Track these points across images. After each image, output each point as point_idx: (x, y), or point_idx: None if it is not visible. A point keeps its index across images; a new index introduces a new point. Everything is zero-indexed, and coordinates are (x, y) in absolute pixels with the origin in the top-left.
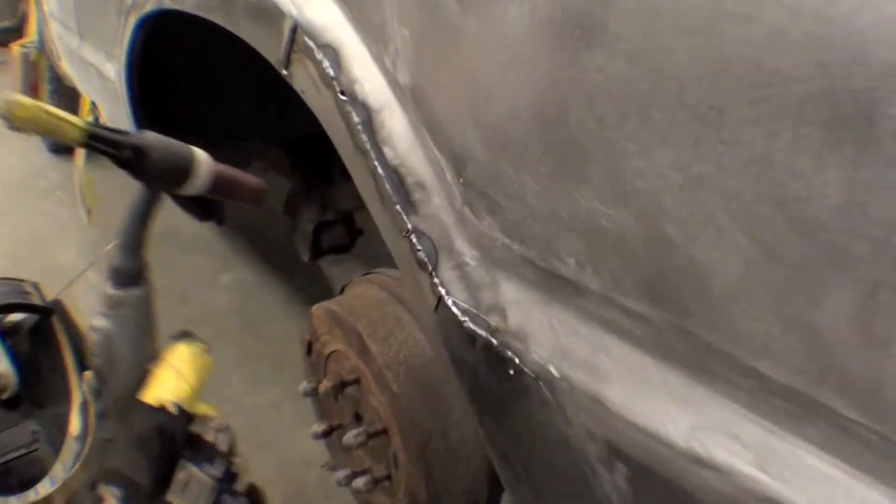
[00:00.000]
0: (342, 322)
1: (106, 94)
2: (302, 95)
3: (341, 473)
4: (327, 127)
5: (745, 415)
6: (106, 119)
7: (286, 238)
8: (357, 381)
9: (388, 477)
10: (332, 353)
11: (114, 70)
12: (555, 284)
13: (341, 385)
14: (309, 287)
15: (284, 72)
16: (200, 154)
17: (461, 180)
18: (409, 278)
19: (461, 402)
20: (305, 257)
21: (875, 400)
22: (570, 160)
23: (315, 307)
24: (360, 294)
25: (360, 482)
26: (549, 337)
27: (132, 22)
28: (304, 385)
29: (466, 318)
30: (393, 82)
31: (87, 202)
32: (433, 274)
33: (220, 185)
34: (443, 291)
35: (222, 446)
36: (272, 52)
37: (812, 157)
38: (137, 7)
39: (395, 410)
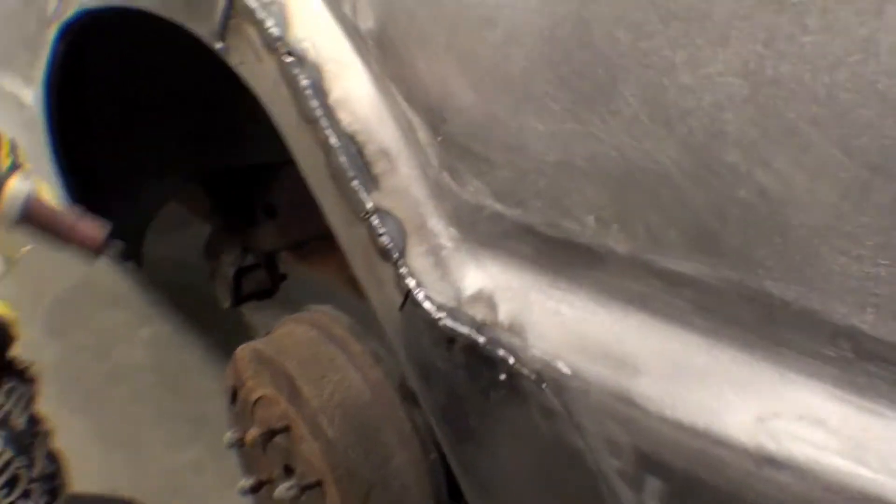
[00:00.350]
0: (270, 363)
1: (24, 125)
2: (238, 69)
3: None
4: (268, 101)
5: (833, 393)
6: (25, 158)
7: (205, 289)
8: (287, 429)
9: None
10: (259, 398)
11: (32, 95)
12: (564, 256)
13: (270, 434)
14: (228, 342)
15: (219, 44)
16: (15, 181)
17: (439, 139)
18: (366, 275)
19: (402, 448)
20: (226, 304)
21: None
22: (591, 88)
23: (240, 349)
24: (289, 333)
25: None
26: (555, 325)
27: (53, 32)
28: (228, 436)
29: (443, 314)
30: (352, 32)
31: None
32: (399, 262)
33: (37, 220)
34: (412, 283)
35: None
36: (206, 26)
37: None
38: (60, 14)
39: (330, 459)
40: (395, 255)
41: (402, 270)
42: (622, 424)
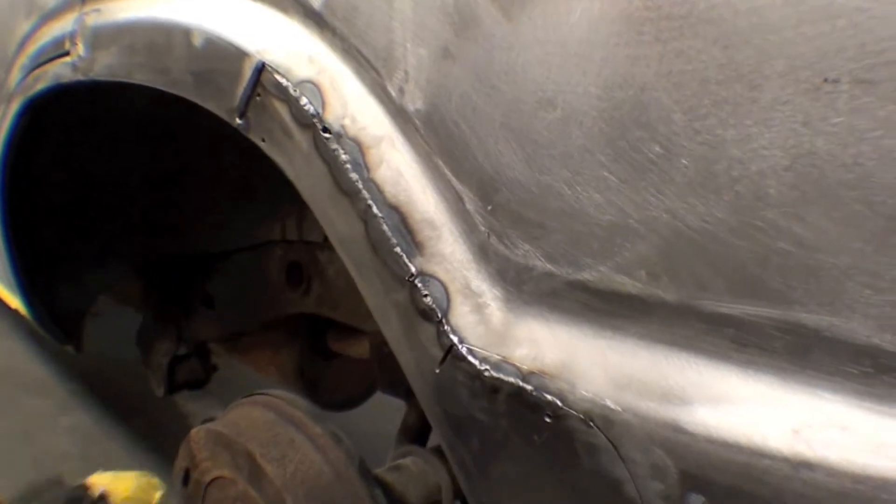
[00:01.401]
0: (229, 444)
1: None
2: (260, 144)
3: None
4: (297, 176)
5: (856, 404)
6: None
7: (130, 378)
8: None
9: None
10: (213, 480)
11: None
12: (613, 308)
13: None
14: (149, 433)
15: (238, 121)
16: None
17: (489, 207)
18: (401, 339)
19: None
20: (160, 392)
21: None
22: (647, 161)
23: (194, 430)
24: (245, 415)
25: None
26: (602, 368)
27: (14, 108)
28: None
29: (487, 366)
30: (397, 112)
31: None
32: (443, 322)
33: None
34: (455, 339)
35: None
36: (222, 101)
37: None
38: (25, 88)
39: None
40: (439, 316)
41: (445, 328)
42: (668, 450)
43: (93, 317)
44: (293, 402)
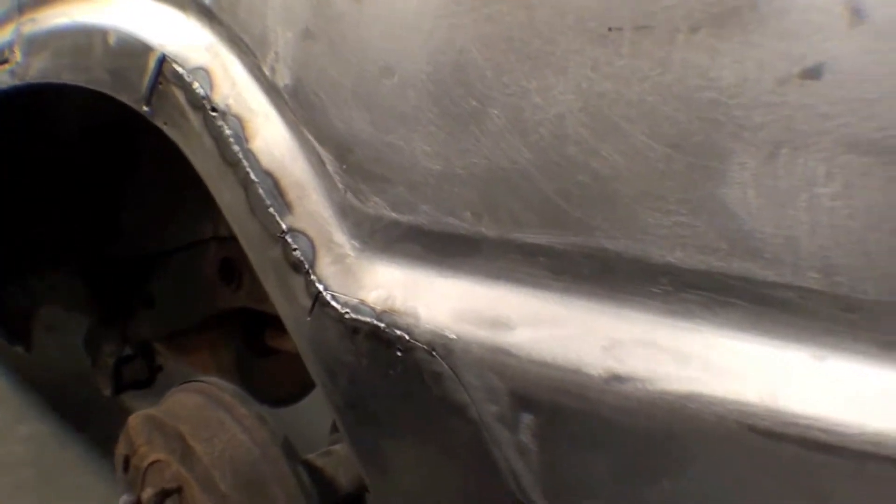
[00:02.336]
0: (162, 426)
1: None
2: (163, 128)
3: None
4: (191, 152)
5: (659, 321)
6: None
7: (83, 387)
8: (179, 490)
9: None
10: (151, 464)
11: None
12: (447, 248)
13: (163, 493)
14: (103, 442)
15: (145, 108)
16: None
17: (344, 167)
18: (278, 291)
19: (288, 501)
20: (107, 392)
21: (790, 255)
22: (467, 115)
23: (132, 417)
24: (179, 401)
25: None
26: (443, 304)
27: None
28: (124, 499)
29: (348, 310)
30: (270, 89)
31: None
32: (310, 272)
33: None
34: (321, 287)
35: None
36: (132, 92)
37: (707, 49)
38: None
39: None
40: (306, 267)
41: (312, 278)
42: (499, 373)
43: (47, 330)
44: (223, 388)
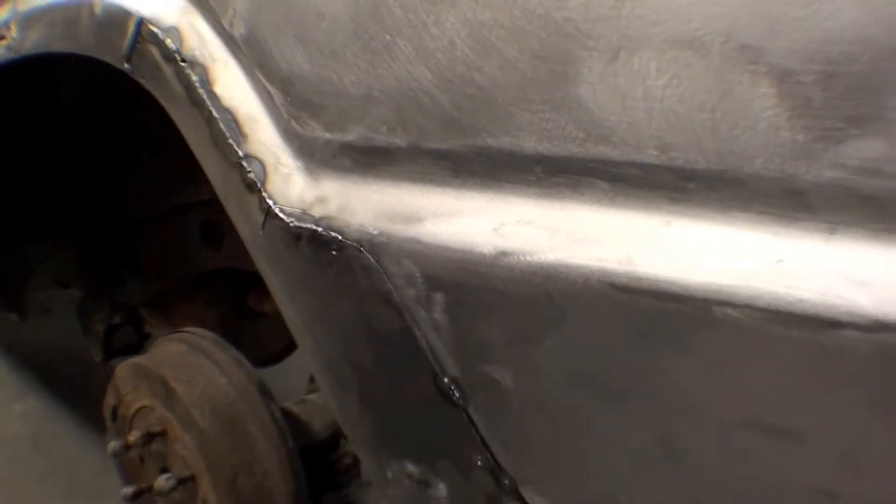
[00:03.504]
0: (147, 373)
1: None
2: (142, 82)
3: None
4: (165, 99)
5: (535, 203)
6: None
7: (73, 369)
8: (163, 434)
9: None
10: (137, 411)
11: None
12: (370, 160)
13: (149, 436)
14: (96, 417)
15: (126, 66)
16: None
17: (289, 99)
18: (237, 210)
19: (263, 438)
20: (98, 358)
21: (633, 138)
22: (381, 48)
23: (118, 367)
24: (163, 349)
25: None
26: (368, 207)
27: None
28: (112, 445)
29: (293, 219)
30: (229, 40)
31: None
32: (261, 190)
33: None
34: (270, 203)
35: None
36: (114, 53)
37: None
38: None
39: (203, 448)
40: (258, 186)
41: (263, 195)
42: (414, 260)
43: (42, 313)
44: (203, 336)
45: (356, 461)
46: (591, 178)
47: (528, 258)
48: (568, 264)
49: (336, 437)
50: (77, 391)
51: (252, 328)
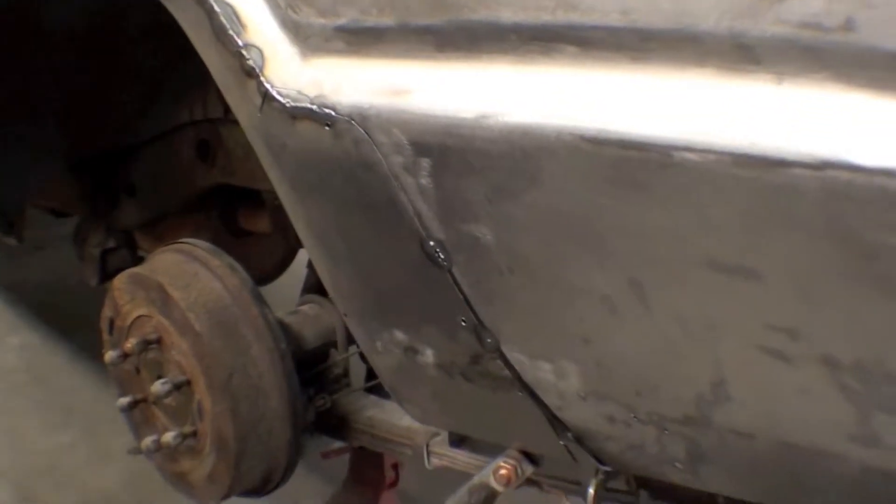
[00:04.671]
0: (144, 281)
1: None
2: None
3: (148, 440)
4: (177, 11)
5: (512, 68)
6: None
7: (67, 303)
8: (160, 341)
9: (195, 434)
10: (134, 321)
11: None
12: (362, 40)
13: (145, 343)
14: (90, 347)
15: None
16: None
17: None
18: (236, 96)
19: (257, 340)
20: (93, 281)
21: (598, 3)
22: None
23: (116, 278)
24: (160, 258)
25: (168, 436)
26: (360, 84)
27: None
28: (109, 354)
29: (289, 100)
30: None
31: None
32: (259, 75)
33: None
34: (268, 86)
35: None
36: None
37: None
38: None
39: (197, 350)
40: (257, 71)
41: (261, 79)
42: (402, 129)
43: (36, 249)
44: (198, 245)
45: (346, 372)
46: (561, 44)
47: (506, 119)
48: (541, 121)
49: (326, 347)
50: (72, 324)
51: (244, 247)
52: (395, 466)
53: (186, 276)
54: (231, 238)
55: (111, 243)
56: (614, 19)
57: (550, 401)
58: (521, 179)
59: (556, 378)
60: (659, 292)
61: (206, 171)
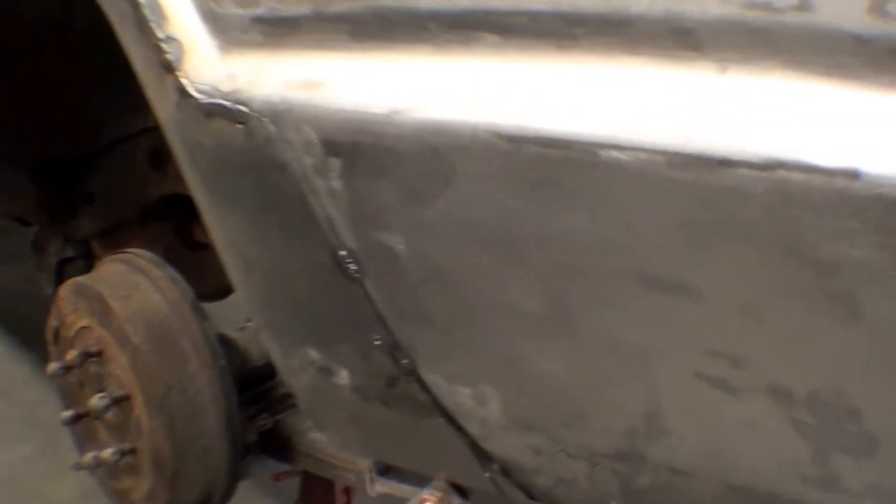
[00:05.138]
0: (85, 291)
1: None
2: None
3: (89, 456)
4: (108, 6)
5: (430, 59)
6: None
7: (31, 315)
8: (100, 353)
9: (134, 451)
10: (77, 332)
11: None
12: (278, 31)
13: (86, 355)
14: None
15: None
16: None
17: None
18: (155, 91)
19: (195, 356)
20: (49, 291)
21: None
22: None
23: (61, 287)
24: (104, 269)
25: (107, 453)
26: (274, 78)
27: None
28: (51, 366)
29: (203, 96)
30: None
31: None
32: (177, 70)
33: None
34: (185, 82)
35: None
36: None
37: None
38: None
39: (135, 365)
40: (175, 65)
41: (178, 74)
42: (313, 125)
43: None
44: (142, 256)
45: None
46: (481, 32)
47: (418, 114)
48: (456, 118)
49: (273, 365)
50: (35, 335)
51: (199, 259)
52: (347, 491)
53: (128, 286)
54: (186, 250)
55: (69, 253)
56: (537, 3)
57: (473, 429)
58: (434, 182)
59: (477, 404)
60: (585, 310)
61: (158, 179)
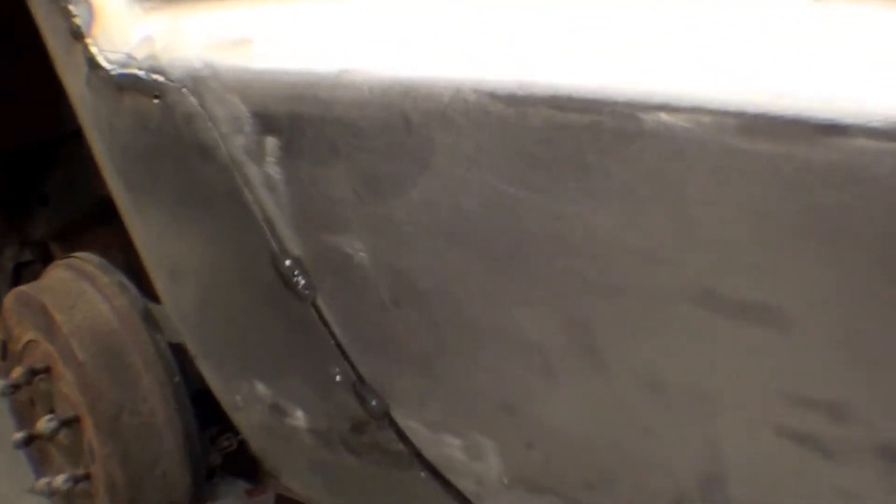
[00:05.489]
0: (29, 301)
1: None
2: None
3: (42, 482)
4: None
5: (384, 15)
6: None
7: None
8: (48, 370)
9: (88, 477)
10: (25, 345)
11: None
12: None
13: (31, 373)
14: None
15: None
16: None
17: None
18: (64, 63)
19: (147, 371)
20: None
21: None
22: None
23: (6, 297)
24: (49, 275)
25: (59, 479)
26: (195, 38)
27: None
28: (1, 384)
29: (115, 66)
30: None
31: None
32: (87, 37)
33: None
34: (95, 50)
35: None
36: None
37: None
38: None
39: (82, 383)
40: (84, 32)
41: (88, 41)
42: (242, 95)
43: None
44: (89, 260)
45: None
46: None
47: (378, 72)
48: (431, 74)
49: None
50: None
51: None
52: None
53: (72, 295)
54: None
55: (26, 256)
56: None
57: (465, 486)
58: (405, 163)
59: (469, 458)
60: (618, 340)
61: None
